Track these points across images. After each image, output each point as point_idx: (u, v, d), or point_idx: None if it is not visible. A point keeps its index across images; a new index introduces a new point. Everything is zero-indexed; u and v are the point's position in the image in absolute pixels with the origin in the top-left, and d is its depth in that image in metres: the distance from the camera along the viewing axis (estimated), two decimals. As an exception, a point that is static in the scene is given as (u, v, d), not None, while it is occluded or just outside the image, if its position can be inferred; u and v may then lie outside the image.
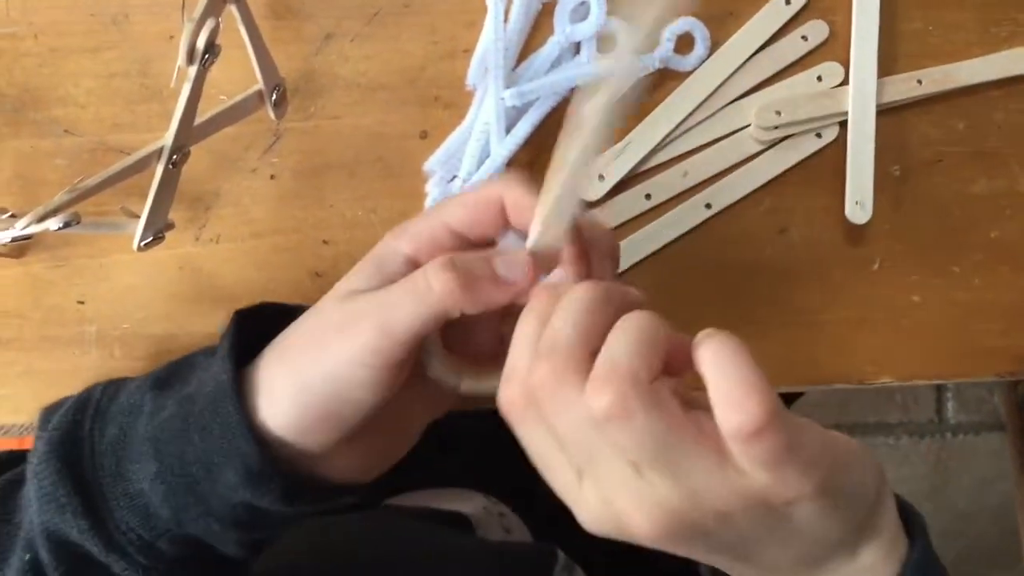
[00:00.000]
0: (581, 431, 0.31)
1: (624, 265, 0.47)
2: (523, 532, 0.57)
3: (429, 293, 0.33)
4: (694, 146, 0.47)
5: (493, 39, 0.45)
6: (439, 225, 0.35)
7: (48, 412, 0.40)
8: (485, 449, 0.65)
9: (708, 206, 0.47)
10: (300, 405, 0.35)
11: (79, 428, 0.38)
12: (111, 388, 0.39)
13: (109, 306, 0.46)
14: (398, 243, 0.36)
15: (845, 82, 0.47)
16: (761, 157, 0.48)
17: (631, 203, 0.47)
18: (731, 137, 0.47)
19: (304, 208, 0.47)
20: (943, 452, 1.35)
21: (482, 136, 0.46)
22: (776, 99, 0.47)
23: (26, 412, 0.46)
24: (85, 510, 0.36)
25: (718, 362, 0.30)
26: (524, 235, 0.35)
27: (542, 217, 0.35)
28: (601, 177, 0.46)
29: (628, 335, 0.31)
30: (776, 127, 0.47)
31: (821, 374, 0.48)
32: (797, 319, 0.48)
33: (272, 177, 0.47)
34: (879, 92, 0.47)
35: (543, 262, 0.35)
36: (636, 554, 0.66)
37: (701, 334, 0.31)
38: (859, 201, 0.47)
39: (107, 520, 0.36)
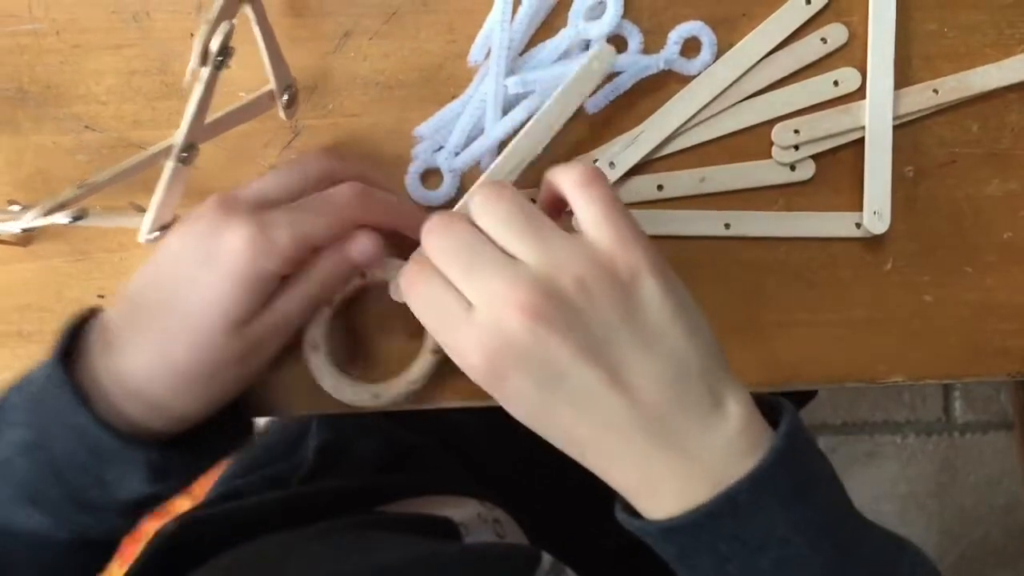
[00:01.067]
0: (462, 239, 0.37)
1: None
2: (518, 535, 0.57)
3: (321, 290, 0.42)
4: (708, 138, 0.48)
5: (500, 19, 0.45)
6: (304, 245, 0.41)
7: None
8: (484, 454, 0.65)
9: (727, 226, 0.47)
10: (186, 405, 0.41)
11: None
12: None
13: (129, 300, 0.47)
14: (270, 266, 0.40)
15: (861, 89, 0.47)
16: (789, 216, 0.48)
17: (642, 189, 0.48)
18: (755, 162, 0.48)
19: (322, 205, 0.47)
20: (950, 451, 1.35)
21: (476, 112, 0.46)
22: (794, 120, 0.47)
23: (46, 404, 0.47)
24: None
25: (564, 168, 0.39)
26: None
27: None
28: (612, 165, 0.47)
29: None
30: (796, 147, 0.47)
31: (833, 373, 0.48)
32: (809, 318, 0.48)
33: (290, 174, 0.47)
34: (896, 104, 0.47)
35: None
36: (631, 557, 0.66)
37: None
38: (877, 211, 0.47)
39: None
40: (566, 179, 0.38)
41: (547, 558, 0.46)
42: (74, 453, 0.39)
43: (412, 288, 0.38)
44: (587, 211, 0.37)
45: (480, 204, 0.37)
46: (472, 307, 0.36)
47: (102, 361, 0.39)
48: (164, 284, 0.40)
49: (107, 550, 0.44)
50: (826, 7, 0.47)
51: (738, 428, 0.35)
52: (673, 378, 0.36)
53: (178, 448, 0.40)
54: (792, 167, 0.48)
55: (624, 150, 0.47)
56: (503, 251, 0.36)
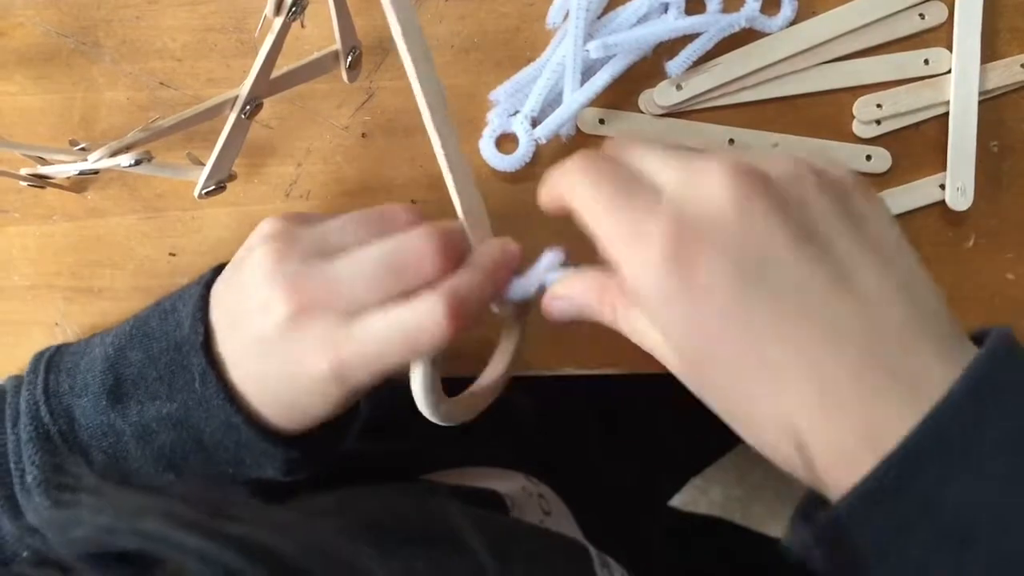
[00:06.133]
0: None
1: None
2: (563, 513, 0.57)
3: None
4: (786, 94, 0.47)
5: None
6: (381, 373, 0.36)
7: None
8: (532, 430, 0.65)
9: None
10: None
11: (63, 472, 0.38)
12: (56, 411, 0.39)
13: (200, 259, 0.46)
14: (348, 389, 0.36)
15: (950, 70, 0.46)
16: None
17: (711, 139, 0.47)
18: (833, 142, 0.47)
19: (394, 167, 0.47)
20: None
21: (553, 75, 0.45)
22: (876, 95, 0.46)
23: (114, 362, 0.47)
24: None
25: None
26: None
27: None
28: (679, 87, 0.46)
29: None
30: (878, 121, 0.46)
31: (910, 351, 0.47)
32: (888, 294, 0.47)
33: (363, 135, 0.47)
34: (982, 79, 0.46)
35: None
36: (672, 545, 0.65)
37: None
38: (960, 187, 0.46)
39: None
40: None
41: (592, 551, 0.45)
42: (221, 440, 0.38)
43: (579, 174, 0.33)
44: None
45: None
46: (660, 193, 0.30)
47: (230, 363, 0.38)
48: (253, 333, 0.37)
49: None
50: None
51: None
52: (910, 299, 0.28)
53: (311, 442, 0.39)
54: (868, 157, 0.47)
55: (696, 76, 0.46)
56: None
